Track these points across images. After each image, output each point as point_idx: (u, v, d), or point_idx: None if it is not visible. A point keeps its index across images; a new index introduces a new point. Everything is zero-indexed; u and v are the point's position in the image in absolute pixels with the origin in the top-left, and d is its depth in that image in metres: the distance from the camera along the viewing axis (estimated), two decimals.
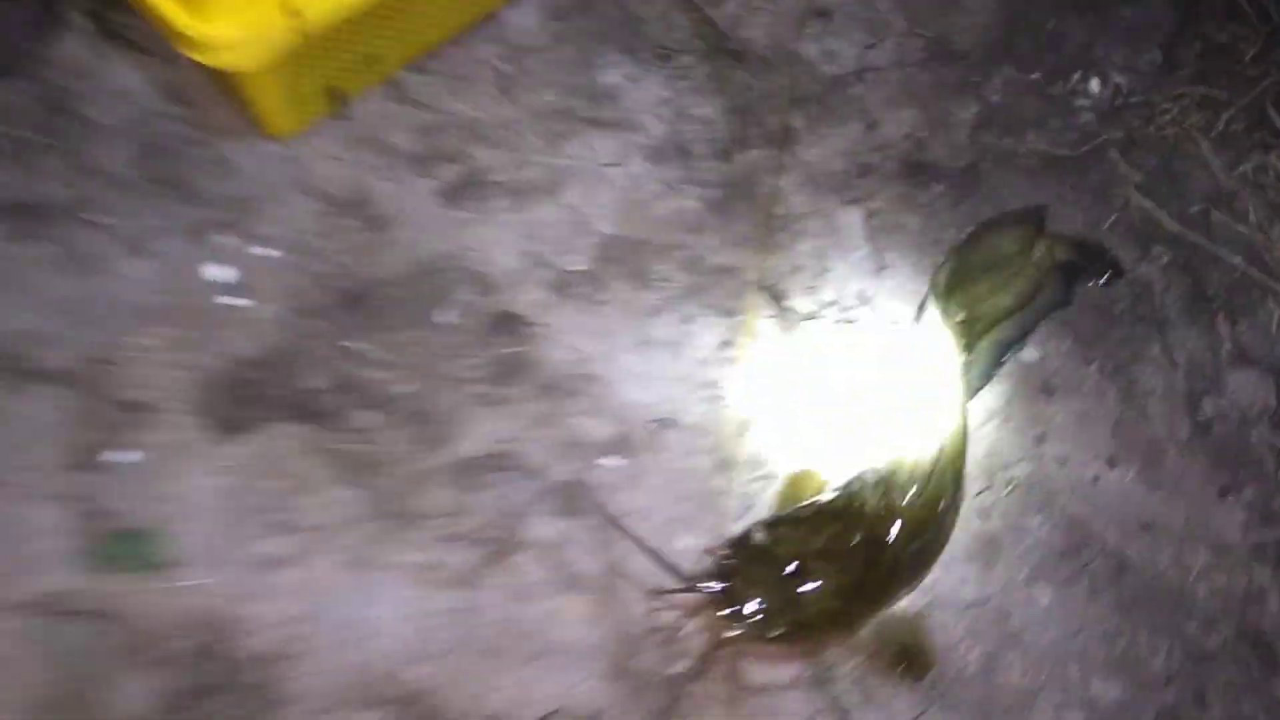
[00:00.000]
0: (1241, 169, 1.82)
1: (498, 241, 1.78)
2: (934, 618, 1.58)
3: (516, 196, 1.81)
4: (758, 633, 1.38)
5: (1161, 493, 1.68)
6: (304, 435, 1.55)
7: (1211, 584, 1.65)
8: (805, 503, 1.53)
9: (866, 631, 1.49)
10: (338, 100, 1.78)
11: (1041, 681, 1.58)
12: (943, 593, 1.60)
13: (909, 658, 1.51)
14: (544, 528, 1.58)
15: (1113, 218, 1.82)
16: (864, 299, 1.77)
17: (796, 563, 1.41)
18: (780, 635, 1.39)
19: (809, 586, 1.39)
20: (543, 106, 1.89)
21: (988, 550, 1.64)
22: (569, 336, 1.70)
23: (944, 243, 1.81)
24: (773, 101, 1.94)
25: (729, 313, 1.74)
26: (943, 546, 1.53)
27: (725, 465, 1.65)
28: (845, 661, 1.53)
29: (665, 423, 1.67)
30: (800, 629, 1.40)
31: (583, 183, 1.83)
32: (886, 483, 1.49)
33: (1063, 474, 1.69)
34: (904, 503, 1.47)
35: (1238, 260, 1.75)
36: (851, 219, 1.82)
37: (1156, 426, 1.72)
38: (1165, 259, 1.80)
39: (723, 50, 1.94)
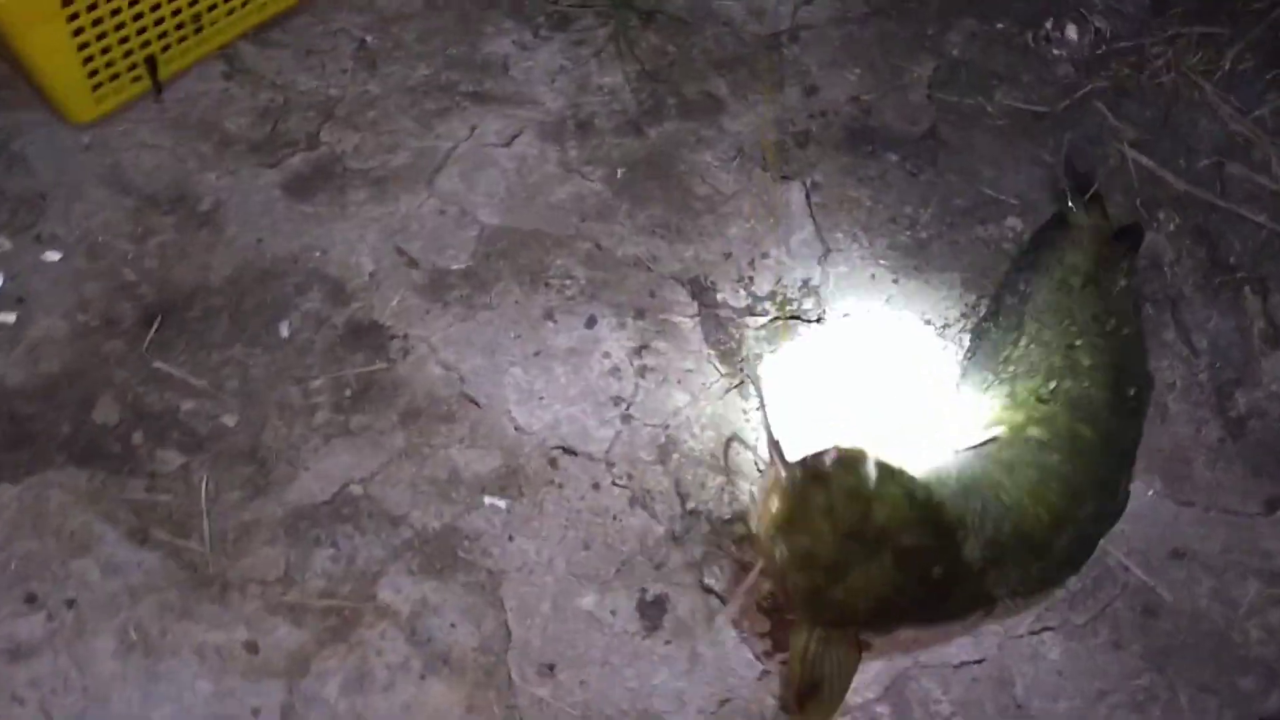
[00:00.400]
0: (1257, 114, 1.50)
1: (356, 240, 1.44)
2: (914, 683, 1.20)
3: (380, 186, 1.48)
4: (788, 569, 1.06)
5: (1193, 510, 1.32)
6: (83, 484, 1.20)
7: (1266, 622, 1.28)
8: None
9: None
10: (156, 75, 1.46)
11: None
12: (924, 650, 1.23)
13: (811, 691, 1.12)
14: (403, 592, 1.21)
15: (1103, 180, 1.49)
16: (809, 289, 1.42)
17: (875, 543, 1.07)
18: (797, 586, 1.07)
19: (864, 574, 1.06)
20: (416, 81, 1.57)
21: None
22: (443, 350, 1.36)
23: (902, 220, 1.46)
24: (691, 66, 1.63)
25: (642, 313, 1.39)
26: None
27: (641, 501, 1.29)
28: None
29: (566, 451, 1.31)
30: (827, 602, 1.07)
31: (463, 167, 1.50)
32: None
33: None
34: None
35: (1262, 219, 1.42)
36: (790, 197, 1.49)
37: (1180, 429, 1.37)
38: (1174, 224, 1.47)
39: (630, 9, 1.62)
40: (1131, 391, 1.27)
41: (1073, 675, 1.26)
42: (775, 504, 1.09)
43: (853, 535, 1.07)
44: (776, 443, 1.12)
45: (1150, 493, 1.33)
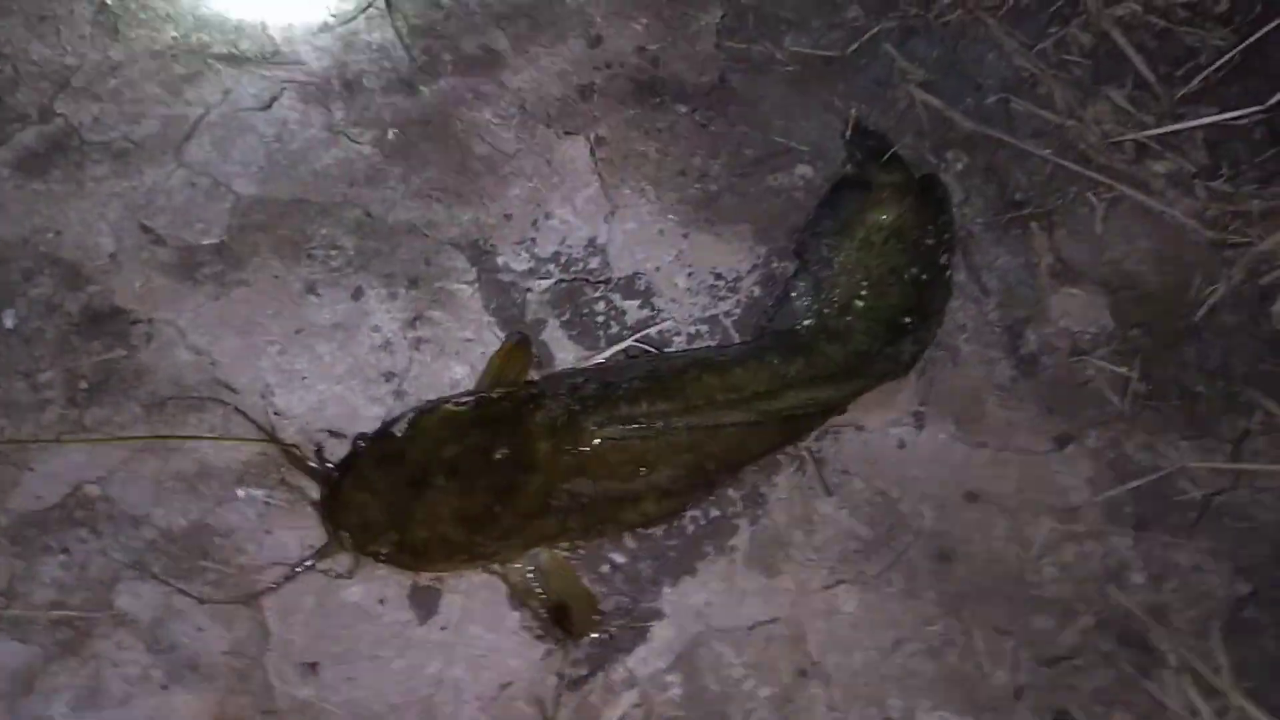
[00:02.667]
0: (1040, 47, 1.48)
1: (95, 218, 1.32)
2: (705, 649, 1.14)
3: (123, 159, 1.36)
4: (357, 545, 1.10)
5: (985, 452, 1.30)
6: None
7: (1060, 561, 1.26)
8: (466, 395, 1.22)
9: (519, 570, 1.16)
10: None
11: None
12: (713, 612, 1.17)
13: (563, 612, 1.16)
14: (143, 598, 1.10)
15: (894, 124, 1.45)
16: (595, 248, 1.34)
17: (420, 473, 1.12)
18: (382, 554, 1.10)
19: (425, 505, 1.10)
20: (163, 45, 1.45)
21: (769, 551, 1.22)
22: (193, 334, 1.24)
23: (692, 172, 1.40)
24: (468, 20, 1.53)
25: (416, 282, 1.30)
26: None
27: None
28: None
29: (333, 434, 1.21)
30: (406, 552, 1.11)
31: (215, 135, 1.39)
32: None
33: (858, 443, 1.29)
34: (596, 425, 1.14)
35: (1047, 154, 1.39)
36: (574, 153, 1.42)
37: (971, 370, 1.34)
38: (961, 164, 1.44)
39: None
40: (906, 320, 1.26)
41: (867, 627, 1.22)
42: (323, 499, 1.15)
43: (392, 488, 1.11)
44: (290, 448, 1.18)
45: (942, 436, 1.30)
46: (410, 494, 1.09)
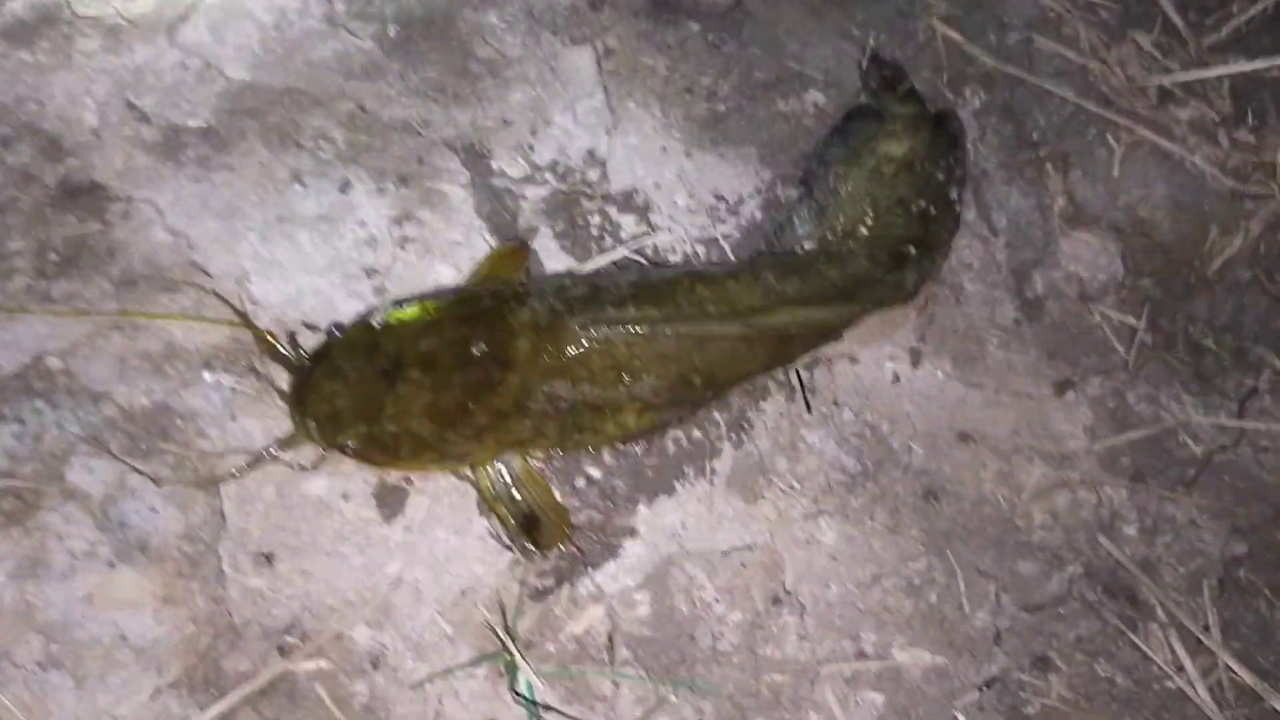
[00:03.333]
0: None
1: (80, 92, 1.27)
2: (677, 569, 1.10)
3: (114, 35, 1.31)
4: (324, 436, 1.05)
5: (982, 393, 1.25)
6: None
7: (1051, 508, 1.22)
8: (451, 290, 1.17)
9: (489, 475, 1.11)
10: None
11: (826, 651, 1.12)
12: (688, 534, 1.13)
13: (533, 522, 1.11)
14: (96, 474, 1.06)
15: (911, 57, 1.39)
16: (595, 160, 1.29)
17: (393, 365, 1.06)
18: (350, 448, 1.05)
19: (396, 397, 1.04)
20: None
21: (751, 476, 1.17)
22: (172, 215, 1.20)
23: (699, 91, 1.35)
24: None
25: (406, 180, 1.25)
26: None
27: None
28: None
29: (307, 326, 1.16)
30: (375, 446, 1.05)
31: (212, 18, 1.34)
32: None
33: (851, 375, 1.24)
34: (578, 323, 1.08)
35: (1068, 94, 1.34)
36: (580, 62, 1.36)
37: (973, 309, 1.29)
38: (979, 101, 1.38)
39: None
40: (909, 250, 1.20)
41: (846, 560, 1.17)
42: (292, 387, 1.10)
43: (363, 378, 1.05)
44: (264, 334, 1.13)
45: (939, 374, 1.26)
46: (382, 386, 1.05)
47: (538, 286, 1.12)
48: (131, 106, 1.28)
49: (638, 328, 1.07)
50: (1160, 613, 1.17)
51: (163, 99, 1.30)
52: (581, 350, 1.06)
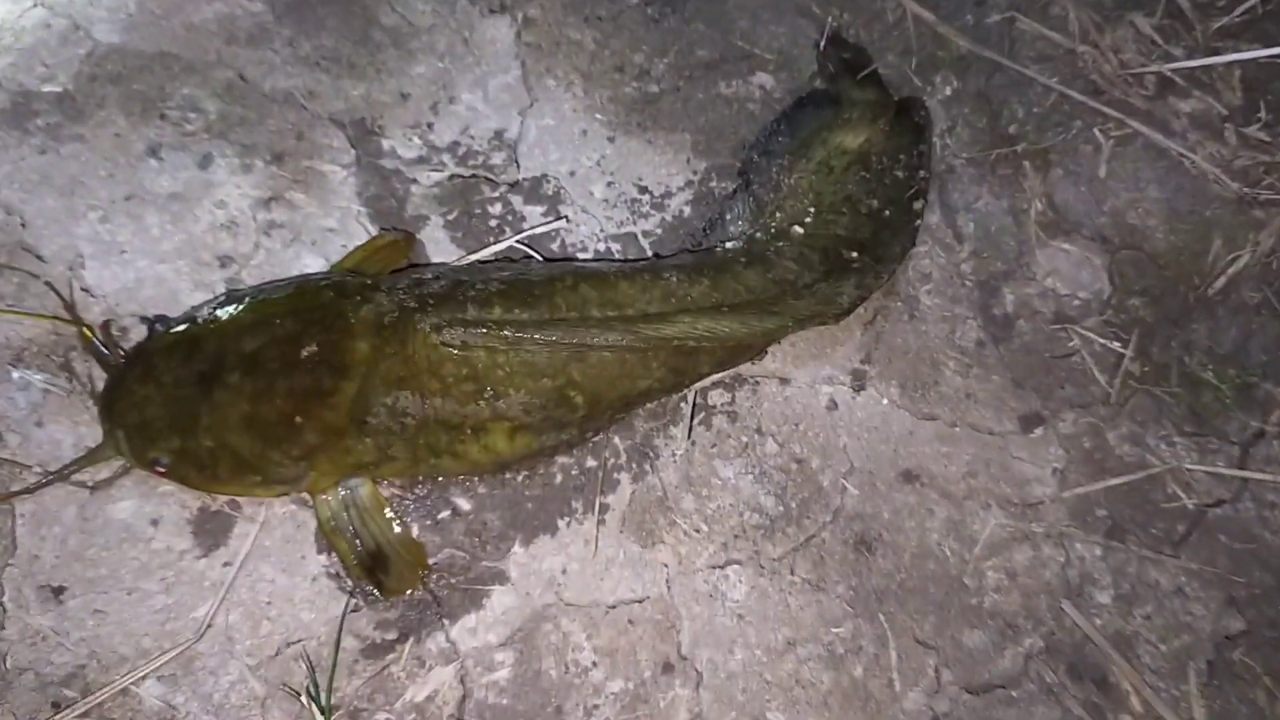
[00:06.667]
0: None
1: None
2: (550, 625, 0.91)
3: None
4: (133, 450, 0.88)
5: (934, 425, 1.05)
6: None
7: (1008, 566, 1.01)
8: (288, 280, 0.99)
9: (331, 504, 0.93)
10: None
11: None
12: (568, 582, 0.95)
13: (379, 560, 0.94)
14: None
15: (876, 40, 1.21)
16: (503, 142, 1.12)
17: (212, 367, 0.89)
18: (161, 465, 0.88)
19: (213, 406, 0.87)
20: None
21: (651, 515, 0.99)
22: (7, 188, 1.05)
23: (631, 69, 1.17)
24: None
25: (280, 157, 1.08)
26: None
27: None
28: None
29: (143, 320, 1.00)
30: (189, 464, 0.88)
31: None
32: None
33: (780, 398, 1.05)
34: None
35: (1052, 82, 1.14)
36: (496, 33, 1.19)
37: (930, 327, 1.09)
38: (950, 88, 1.19)
39: None
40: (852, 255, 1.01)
41: (756, 620, 0.98)
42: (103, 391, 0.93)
43: (178, 383, 0.88)
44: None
45: (884, 402, 1.06)
46: (198, 392, 0.87)
47: (392, 280, 0.94)
48: None
49: (502, 331, 0.88)
50: (1135, 701, 0.96)
51: (19, 60, 1.15)
52: (431, 356, 0.88)
